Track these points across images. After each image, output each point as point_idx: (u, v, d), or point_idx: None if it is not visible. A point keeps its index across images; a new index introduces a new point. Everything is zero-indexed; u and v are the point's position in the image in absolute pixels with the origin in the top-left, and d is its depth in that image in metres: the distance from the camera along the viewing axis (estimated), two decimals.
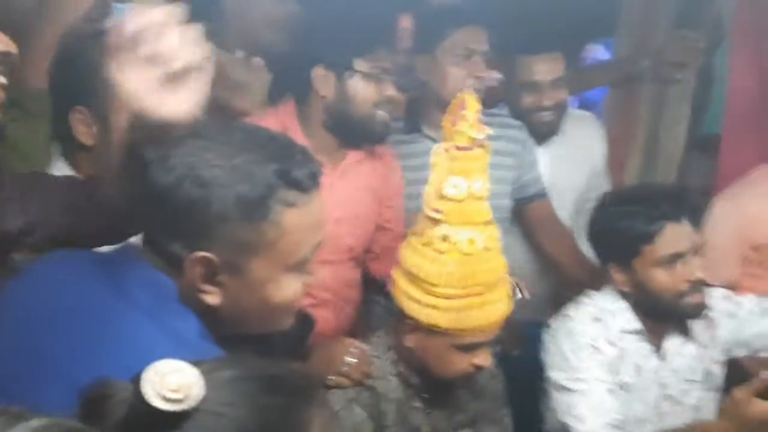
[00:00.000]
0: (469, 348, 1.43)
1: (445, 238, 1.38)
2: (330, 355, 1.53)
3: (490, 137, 1.92)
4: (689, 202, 1.67)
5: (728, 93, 2.28)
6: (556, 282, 2.20)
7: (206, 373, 0.64)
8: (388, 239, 1.87)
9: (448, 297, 1.38)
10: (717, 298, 1.73)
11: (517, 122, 2.06)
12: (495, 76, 1.93)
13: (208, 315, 0.92)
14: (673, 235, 1.59)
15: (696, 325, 1.70)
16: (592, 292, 1.74)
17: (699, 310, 1.64)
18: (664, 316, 1.66)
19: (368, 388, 1.50)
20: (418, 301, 1.41)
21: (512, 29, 2.16)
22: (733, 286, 2.10)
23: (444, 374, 1.47)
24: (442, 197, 1.38)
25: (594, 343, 1.64)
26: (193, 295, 0.91)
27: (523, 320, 2.20)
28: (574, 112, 2.29)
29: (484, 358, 1.45)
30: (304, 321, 1.31)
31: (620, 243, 1.63)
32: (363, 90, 1.65)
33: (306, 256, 0.96)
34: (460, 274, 1.37)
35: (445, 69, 1.87)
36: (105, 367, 0.77)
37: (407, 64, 2.09)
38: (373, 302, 1.92)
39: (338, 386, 1.49)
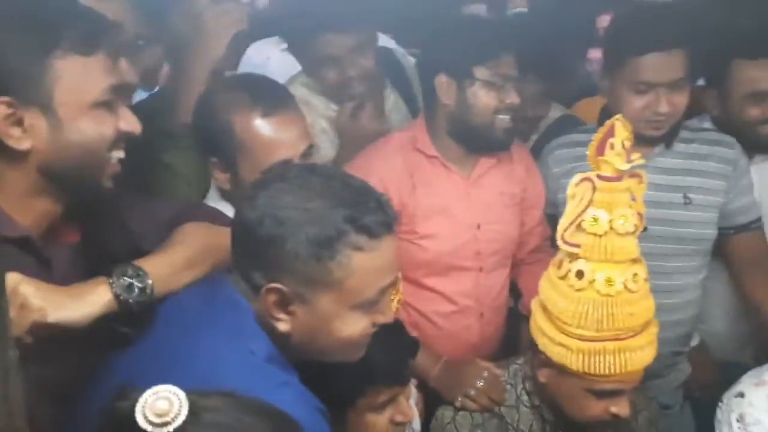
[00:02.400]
0: (605, 394, 1.32)
1: (580, 275, 1.27)
2: (461, 375, 1.52)
3: (700, 156, 1.76)
4: None
5: None
6: (759, 322, 1.91)
7: (193, 411, 0.69)
8: (528, 251, 1.80)
9: (581, 338, 1.28)
10: None
11: (730, 138, 1.81)
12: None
13: (280, 340, 1.01)
14: None
15: None
16: None
17: None
18: None
19: (497, 416, 1.47)
20: (549, 337, 1.33)
21: (726, 33, 1.91)
22: None
23: (577, 417, 1.37)
24: (581, 230, 1.27)
25: None
26: (267, 321, 1.00)
27: (719, 360, 1.97)
28: None
29: (621, 408, 1.32)
30: (409, 344, 1.32)
31: None
32: (483, 98, 1.62)
33: (373, 297, 1.01)
34: (595, 315, 1.26)
35: (624, 96, 1.68)
36: (183, 369, 0.88)
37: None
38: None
39: (464, 408, 1.48)
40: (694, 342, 1.96)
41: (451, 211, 1.71)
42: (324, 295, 0.98)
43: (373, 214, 0.99)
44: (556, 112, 2.22)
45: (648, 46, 1.63)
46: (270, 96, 1.36)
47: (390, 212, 1.02)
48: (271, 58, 2.24)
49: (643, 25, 1.70)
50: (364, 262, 0.98)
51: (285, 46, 1.95)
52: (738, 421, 1.41)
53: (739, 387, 1.46)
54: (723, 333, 2.00)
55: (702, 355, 1.96)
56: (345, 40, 1.71)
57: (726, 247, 1.82)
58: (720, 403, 1.47)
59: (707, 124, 1.91)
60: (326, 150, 1.84)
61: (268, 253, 0.97)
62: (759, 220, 1.81)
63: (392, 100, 1.98)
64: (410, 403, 1.35)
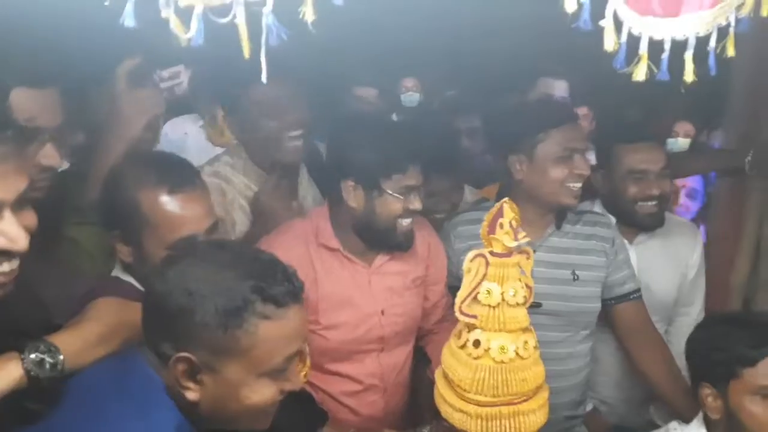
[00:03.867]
0: None
1: (477, 344, 1.37)
2: None
3: (585, 236, 1.93)
4: None
5: None
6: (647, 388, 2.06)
7: None
8: (433, 323, 1.91)
9: (479, 404, 1.36)
10: None
11: (607, 219, 2.01)
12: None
13: (189, 410, 1.03)
14: None
15: None
16: (676, 425, 1.66)
17: None
18: None
19: None
20: (451, 405, 1.40)
21: (610, 120, 2.16)
22: None
23: None
24: (476, 302, 1.38)
25: None
26: (177, 390, 1.03)
27: (615, 425, 2.10)
28: (673, 218, 2.20)
29: None
30: (318, 414, 1.36)
31: (718, 362, 1.55)
32: (389, 206, 1.70)
33: (280, 365, 1.05)
34: (491, 381, 1.35)
35: (546, 169, 1.83)
36: None
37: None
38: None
39: None
40: (588, 407, 2.09)
41: (354, 301, 1.77)
42: (232, 364, 1.02)
43: (280, 285, 1.04)
44: (475, 195, 2.37)
45: (565, 119, 1.83)
46: (176, 173, 1.40)
47: (296, 283, 1.08)
48: (188, 134, 2.30)
49: (551, 105, 1.95)
50: (271, 331, 1.03)
51: (202, 122, 2.01)
52: None
53: None
54: (613, 399, 2.15)
55: (595, 419, 2.09)
56: (278, 89, 1.78)
57: (610, 317, 1.99)
58: None
59: (597, 207, 2.11)
60: (243, 226, 1.89)
61: (177, 323, 1.01)
62: (638, 291, 1.98)
63: (305, 183, 2.07)
64: None
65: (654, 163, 2.01)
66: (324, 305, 1.74)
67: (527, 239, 1.38)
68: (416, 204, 1.72)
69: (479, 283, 1.38)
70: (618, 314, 1.97)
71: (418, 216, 1.76)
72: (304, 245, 1.73)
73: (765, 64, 2.14)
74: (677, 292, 2.12)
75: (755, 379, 1.50)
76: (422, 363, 1.97)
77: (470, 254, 1.39)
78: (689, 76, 0.88)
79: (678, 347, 1.80)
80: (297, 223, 1.82)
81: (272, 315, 1.03)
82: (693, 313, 2.14)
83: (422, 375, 1.94)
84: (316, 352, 1.71)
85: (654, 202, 2.03)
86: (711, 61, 0.89)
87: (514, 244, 1.35)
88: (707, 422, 1.59)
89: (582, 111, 2.33)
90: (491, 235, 1.38)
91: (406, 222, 1.73)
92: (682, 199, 2.84)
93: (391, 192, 1.69)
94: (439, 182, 2.06)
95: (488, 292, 1.37)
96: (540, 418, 1.39)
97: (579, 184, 1.84)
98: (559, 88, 2.53)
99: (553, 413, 1.68)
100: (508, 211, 1.37)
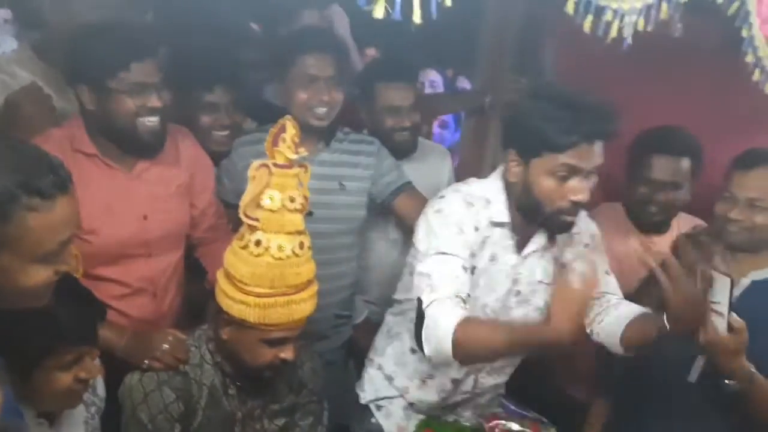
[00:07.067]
0: (276, 342, 1.59)
1: (258, 243, 1.54)
2: (147, 341, 1.66)
3: (351, 152, 2.14)
4: (613, 125, 1.58)
5: None
6: None
7: None
8: (203, 230, 2.01)
9: (258, 295, 1.54)
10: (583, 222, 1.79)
11: (370, 137, 2.25)
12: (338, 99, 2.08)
13: None
14: (575, 155, 1.56)
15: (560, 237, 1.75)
16: (474, 180, 1.78)
17: (568, 228, 1.68)
18: (536, 219, 1.68)
19: (181, 373, 1.65)
20: (232, 298, 1.56)
21: (374, 61, 2.38)
22: None
23: (253, 365, 1.62)
24: (259, 207, 1.54)
25: (460, 225, 1.66)
26: None
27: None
28: (426, 142, 2.52)
29: (288, 353, 1.62)
30: (97, 308, 1.43)
31: (531, 137, 1.59)
32: (122, 105, 1.70)
33: (52, 250, 1.10)
34: (269, 275, 1.54)
35: (293, 93, 2.00)
36: None
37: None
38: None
39: (150, 369, 1.62)
40: (363, 316, 2.38)
41: (112, 207, 1.78)
42: (3, 253, 1.05)
43: (45, 177, 1.07)
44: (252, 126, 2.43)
45: (311, 45, 2.02)
46: None
47: (62, 173, 1.11)
48: None
49: (306, 32, 2.14)
50: (39, 222, 1.06)
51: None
52: None
53: None
54: (380, 300, 2.44)
55: (368, 326, 2.35)
56: None
57: (395, 213, 2.20)
58: None
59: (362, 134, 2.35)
60: None
61: None
62: (410, 183, 2.20)
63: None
64: (95, 362, 1.44)
65: (405, 100, 2.29)
66: (84, 211, 1.73)
67: (306, 153, 1.56)
68: (153, 101, 1.73)
69: (262, 191, 1.55)
70: (399, 207, 2.17)
71: (161, 114, 1.76)
72: (60, 153, 1.64)
73: (505, 19, 2.52)
74: None
75: (550, 163, 1.56)
76: (200, 274, 2.07)
77: (255, 163, 1.53)
78: (417, 18, 1.04)
79: None
80: (54, 132, 1.77)
81: (39, 207, 1.06)
82: None
83: (200, 285, 2.04)
84: (82, 256, 1.71)
85: (407, 132, 2.32)
86: (432, 7, 1.05)
87: (295, 156, 1.53)
88: (505, 181, 1.70)
89: (370, 52, 2.54)
90: (275, 148, 1.54)
91: (149, 121, 1.75)
92: (435, 129, 3.21)
93: (118, 89, 1.69)
94: (221, 94, 2.13)
95: (270, 198, 1.53)
96: (309, 306, 1.61)
97: (323, 109, 2.03)
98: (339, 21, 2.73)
99: (325, 312, 1.91)
100: (290, 127, 1.54)
